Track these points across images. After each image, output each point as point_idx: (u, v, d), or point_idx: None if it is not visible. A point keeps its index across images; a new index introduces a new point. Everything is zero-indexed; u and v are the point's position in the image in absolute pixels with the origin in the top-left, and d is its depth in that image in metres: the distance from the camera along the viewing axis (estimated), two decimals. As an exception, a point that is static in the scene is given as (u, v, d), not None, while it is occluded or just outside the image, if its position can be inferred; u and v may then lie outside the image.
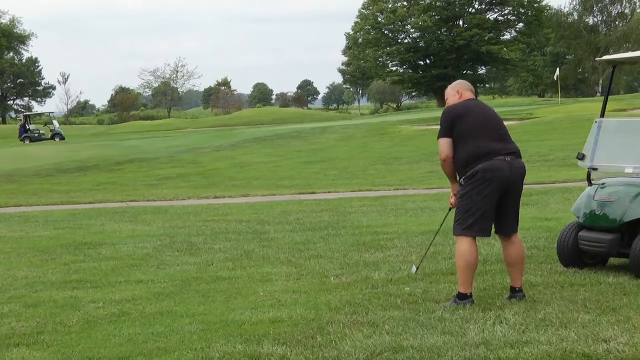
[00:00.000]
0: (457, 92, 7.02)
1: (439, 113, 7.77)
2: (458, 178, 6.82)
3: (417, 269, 7.95)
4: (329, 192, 18.39)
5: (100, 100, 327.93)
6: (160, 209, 15.63)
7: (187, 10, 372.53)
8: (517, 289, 6.86)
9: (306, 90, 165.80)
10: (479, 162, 6.59)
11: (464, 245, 6.65)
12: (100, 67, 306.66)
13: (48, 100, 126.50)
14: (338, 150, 32.69)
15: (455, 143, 6.74)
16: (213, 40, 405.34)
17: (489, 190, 6.58)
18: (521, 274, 6.91)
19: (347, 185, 20.57)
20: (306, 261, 9.05)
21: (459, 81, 7.23)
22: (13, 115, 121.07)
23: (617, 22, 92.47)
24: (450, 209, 7.12)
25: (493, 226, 6.81)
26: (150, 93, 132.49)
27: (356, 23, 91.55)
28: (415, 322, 6.12)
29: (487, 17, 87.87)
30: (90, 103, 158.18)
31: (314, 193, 18.39)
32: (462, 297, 6.65)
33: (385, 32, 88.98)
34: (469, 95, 7.01)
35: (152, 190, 21.51)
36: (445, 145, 6.76)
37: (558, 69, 53.05)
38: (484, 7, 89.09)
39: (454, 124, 6.73)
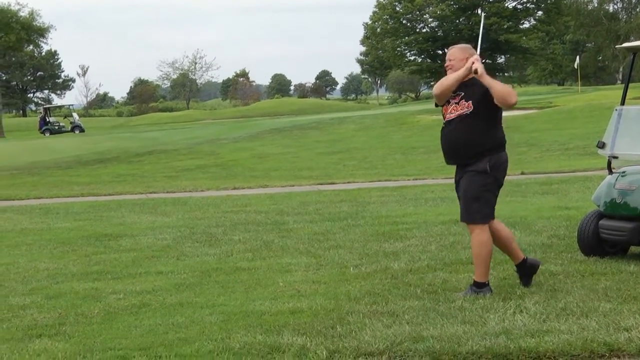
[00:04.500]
0: None
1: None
2: (484, 161, 6.57)
3: None
4: (347, 182, 18.39)
5: (119, 92, 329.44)
6: (180, 200, 15.68)
7: (204, 1, 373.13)
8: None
9: (324, 81, 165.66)
10: (503, 149, 6.68)
11: (486, 234, 6.62)
12: (119, 58, 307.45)
13: (67, 92, 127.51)
14: (356, 141, 32.64)
15: (490, 118, 6.59)
16: (231, 31, 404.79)
17: (503, 180, 6.73)
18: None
19: (366, 175, 20.55)
20: (325, 251, 9.05)
21: None
22: (33, 107, 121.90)
23: (637, 9, 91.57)
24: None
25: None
26: (168, 84, 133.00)
27: (374, 12, 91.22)
28: (435, 312, 6.11)
29: (506, 5, 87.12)
30: (109, 95, 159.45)
31: (332, 183, 18.40)
32: (481, 286, 6.62)
33: (403, 22, 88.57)
34: None
35: (171, 182, 21.59)
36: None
37: (578, 57, 52.75)
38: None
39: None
